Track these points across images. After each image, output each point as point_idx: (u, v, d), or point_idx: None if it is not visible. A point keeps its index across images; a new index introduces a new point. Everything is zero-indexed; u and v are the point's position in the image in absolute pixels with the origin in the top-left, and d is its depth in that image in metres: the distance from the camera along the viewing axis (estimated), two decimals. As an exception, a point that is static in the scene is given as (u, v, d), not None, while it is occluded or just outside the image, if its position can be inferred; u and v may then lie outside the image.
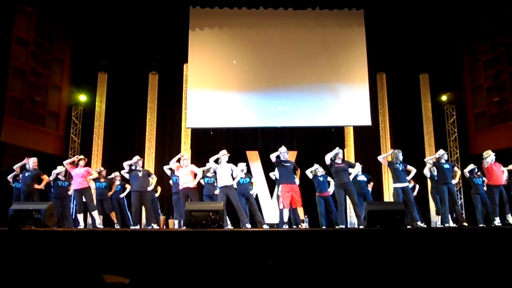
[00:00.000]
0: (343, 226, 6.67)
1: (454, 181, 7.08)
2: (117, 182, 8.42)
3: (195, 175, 7.25)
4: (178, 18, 10.22)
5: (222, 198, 6.79)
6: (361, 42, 10.28)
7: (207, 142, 10.27)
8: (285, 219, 6.70)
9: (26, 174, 7.41)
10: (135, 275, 3.75)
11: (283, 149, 7.03)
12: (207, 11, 10.30)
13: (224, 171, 6.93)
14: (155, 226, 7.43)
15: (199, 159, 9.60)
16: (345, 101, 10.07)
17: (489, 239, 4.26)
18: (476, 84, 10.48)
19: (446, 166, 7.02)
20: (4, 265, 3.86)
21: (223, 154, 7.06)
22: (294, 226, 7.14)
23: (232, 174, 6.99)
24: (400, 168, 6.82)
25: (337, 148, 7.04)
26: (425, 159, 7.44)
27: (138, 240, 4.19)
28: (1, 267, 3.84)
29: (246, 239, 4.16)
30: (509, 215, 7.06)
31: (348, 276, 3.90)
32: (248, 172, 8.26)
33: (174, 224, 7.72)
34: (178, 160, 7.39)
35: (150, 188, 7.48)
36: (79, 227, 7.44)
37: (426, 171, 7.38)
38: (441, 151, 7.17)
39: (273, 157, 6.88)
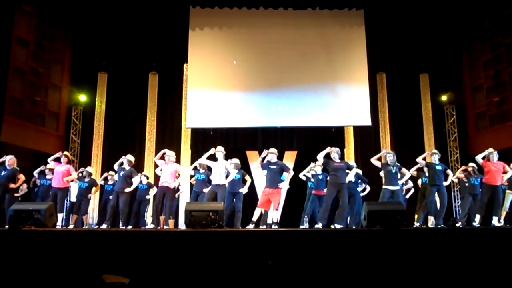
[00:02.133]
0: (341, 226, 6.55)
1: (445, 183, 6.90)
2: (110, 182, 8.29)
3: (178, 176, 7.18)
4: (178, 18, 10.21)
5: (210, 195, 6.72)
6: (361, 42, 10.27)
7: (207, 142, 10.23)
8: (254, 218, 6.59)
9: (2, 173, 7.12)
10: (135, 275, 3.75)
11: (274, 150, 6.85)
12: (207, 11, 10.28)
13: (219, 169, 6.79)
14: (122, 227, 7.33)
15: (199, 159, 9.59)
16: (345, 101, 10.07)
17: (489, 239, 4.25)
18: (476, 84, 10.49)
19: (438, 167, 6.83)
20: (4, 265, 3.86)
21: (218, 151, 6.94)
22: (264, 227, 7.04)
23: (226, 174, 6.88)
24: (393, 171, 6.69)
25: (329, 147, 6.80)
26: (417, 159, 7.08)
27: (138, 240, 4.19)
28: (1, 267, 3.84)
29: (246, 239, 4.16)
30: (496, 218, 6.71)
31: (348, 276, 3.90)
32: (246, 171, 8.16)
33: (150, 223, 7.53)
34: (162, 157, 7.24)
35: (128, 190, 7.29)
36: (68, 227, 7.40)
37: (413, 171, 7.13)
38: (434, 150, 7.13)
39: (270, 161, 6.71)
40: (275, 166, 6.68)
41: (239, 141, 10.31)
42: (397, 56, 10.69)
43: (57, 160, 7.57)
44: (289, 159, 10.15)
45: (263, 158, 6.80)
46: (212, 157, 7.09)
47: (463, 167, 7.67)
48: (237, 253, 4.01)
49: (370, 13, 10.38)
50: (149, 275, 3.86)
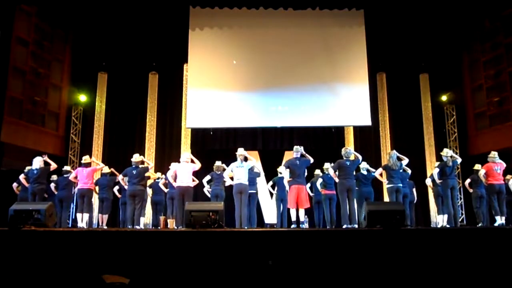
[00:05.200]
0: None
1: None
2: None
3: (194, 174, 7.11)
4: (178, 18, 10.22)
5: (237, 196, 6.69)
6: (361, 42, 10.28)
7: (207, 142, 10.28)
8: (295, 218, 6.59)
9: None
10: (135, 275, 3.75)
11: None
12: (207, 11, 10.29)
13: (241, 171, 6.75)
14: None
15: (199, 159, 9.58)
16: (345, 101, 10.08)
17: (489, 239, 4.25)
18: (476, 84, 10.49)
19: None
20: (4, 265, 3.86)
21: (240, 154, 6.84)
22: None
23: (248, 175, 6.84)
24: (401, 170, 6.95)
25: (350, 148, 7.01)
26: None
27: (138, 240, 4.19)
28: (1, 267, 3.84)
29: (246, 239, 4.16)
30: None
31: (348, 276, 3.90)
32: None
33: (167, 223, 7.50)
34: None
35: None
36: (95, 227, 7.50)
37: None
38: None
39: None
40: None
41: (239, 141, 10.28)
42: (397, 56, 10.69)
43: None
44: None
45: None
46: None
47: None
48: (237, 253, 4.00)
49: (370, 13, 10.38)
50: (149, 275, 3.86)
